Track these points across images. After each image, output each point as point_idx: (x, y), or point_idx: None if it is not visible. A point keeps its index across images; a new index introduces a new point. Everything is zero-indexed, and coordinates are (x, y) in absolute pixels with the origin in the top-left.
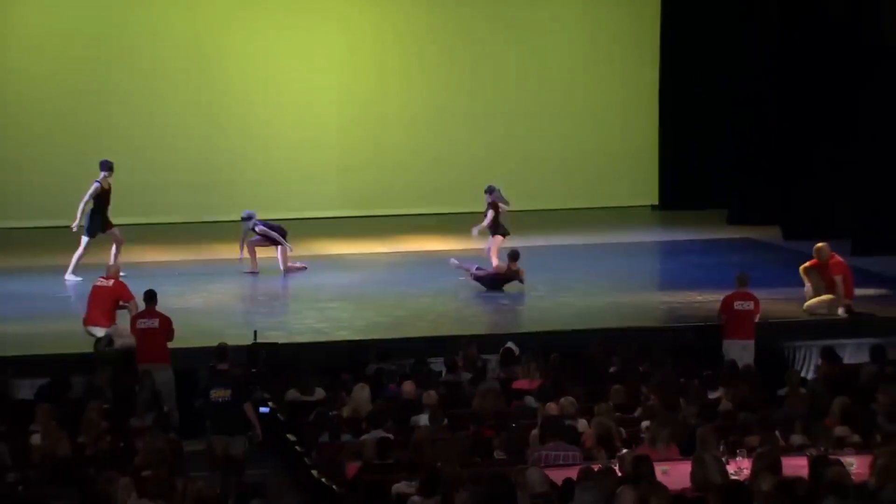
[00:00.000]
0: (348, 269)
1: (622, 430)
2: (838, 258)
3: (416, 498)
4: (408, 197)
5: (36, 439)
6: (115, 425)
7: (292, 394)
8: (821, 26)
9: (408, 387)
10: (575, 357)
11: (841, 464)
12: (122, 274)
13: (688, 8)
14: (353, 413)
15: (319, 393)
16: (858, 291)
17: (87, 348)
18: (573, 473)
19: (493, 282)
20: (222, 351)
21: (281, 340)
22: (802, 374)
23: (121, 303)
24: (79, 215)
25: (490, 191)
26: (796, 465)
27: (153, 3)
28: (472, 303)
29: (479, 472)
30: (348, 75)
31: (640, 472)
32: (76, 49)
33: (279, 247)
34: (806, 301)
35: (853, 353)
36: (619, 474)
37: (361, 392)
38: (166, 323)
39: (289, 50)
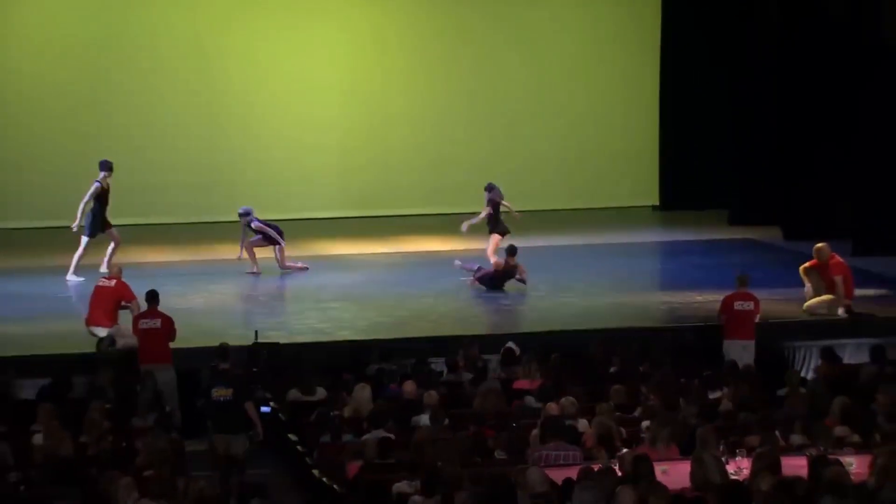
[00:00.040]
0: (350, 270)
1: (622, 430)
2: (838, 258)
3: (416, 498)
4: (409, 197)
5: (38, 439)
6: (117, 425)
7: (294, 394)
8: (821, 26)
9: (409, 387)
10: (575, 357)
11: (840, 464)
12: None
13: (688, 8)
14: (354, 413)
15: (321, 393)
16: (858, 292)
17: (89, 348)
18: (573, 473)
19: (493, 280)
20: (224, 351)
21: (282, 340)
22: (802, 374)
23: (123, 303)
24: (79, 215)
25: (490, 188)
26: (796, 465)
27: (153, 3)
28: (473, 303)
29: (479, 472)
30: (349, 75)
31: (640, 472)
32: (76, 49)
33: (276, 246)
34: (806, 301)
35: (853, 353)
36: (619, 474)
37: (362, 392)
38: (168, 323)
39: (289, 50)
